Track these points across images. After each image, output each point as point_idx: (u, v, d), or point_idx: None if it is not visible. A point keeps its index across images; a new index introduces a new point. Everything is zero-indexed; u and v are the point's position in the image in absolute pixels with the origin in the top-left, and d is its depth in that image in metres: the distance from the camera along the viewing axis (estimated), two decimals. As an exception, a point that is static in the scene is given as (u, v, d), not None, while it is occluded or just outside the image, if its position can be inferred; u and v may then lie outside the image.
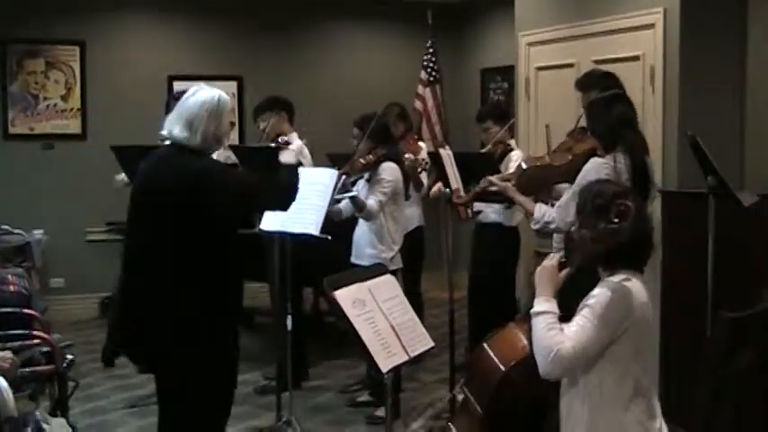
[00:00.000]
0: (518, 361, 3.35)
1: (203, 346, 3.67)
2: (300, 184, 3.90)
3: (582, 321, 2.80)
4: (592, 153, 4.36)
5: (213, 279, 3.68)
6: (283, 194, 3.86)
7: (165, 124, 3.73)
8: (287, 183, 3.88)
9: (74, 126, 8.52)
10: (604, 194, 2.90)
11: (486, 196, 4.93)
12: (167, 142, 3.77)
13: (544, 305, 2.86)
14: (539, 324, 2.83)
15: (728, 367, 3.45)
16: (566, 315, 2.87)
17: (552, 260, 2.96)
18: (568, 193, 4.36)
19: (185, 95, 3.75)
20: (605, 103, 4.36)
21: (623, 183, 3.91)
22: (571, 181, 4.43)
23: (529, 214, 4.55)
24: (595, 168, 4.19)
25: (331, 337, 7.46)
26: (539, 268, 2.96)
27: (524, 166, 4.78)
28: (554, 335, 2.78)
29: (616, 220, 2.79)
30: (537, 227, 4.50)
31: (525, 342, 3.36)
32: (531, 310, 2.88)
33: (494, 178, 4.70)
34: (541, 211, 4.41)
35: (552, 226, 4.36)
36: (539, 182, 4.73)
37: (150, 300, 3.67)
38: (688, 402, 3.52)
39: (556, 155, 4.67)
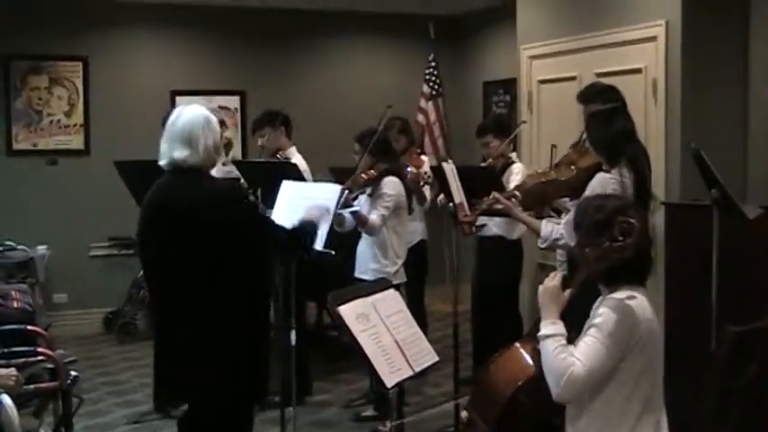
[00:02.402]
0: (524, 381, 3.34)
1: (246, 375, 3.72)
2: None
3: (591, 342, 2.79)
4: (597, 168, 4.35)
5: (247, 305, 3.70)
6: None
7: (162, 152, 3.68)
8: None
9: (77, 142, 8.53)
10: (604, 210, 2.88)
11: (492, 212, 4.91)
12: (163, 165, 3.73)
13: (551, 328, 2.84)
14: (548, 348, 2.81)
15: (734, 381, 3.43)
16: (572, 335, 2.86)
17: (554, 280, 2.94)
18: (575, 209, 4.34)
19: (171, 119, 3.71)
20: (605, 116, 4.35)
21: (625, 196, 3.90)
22: (574, 196, 4.41)
23: (535, 232, 4.51)
24: (602, 183, 4.18)
25: (334, 352, 7.45)
26: (541, 288, 2.94)
27: (529, 181, 4.76)
28: (564, 358, 2.76)
29: (620, 238, 2.78)
30: (545, 245, 4.45)
31: (531, 362, 3.35)
32: (539, 334, 2.85)
33: (499, 195, 4.67)
34: (548, 228, 4.37)
35: (561, 242, 4.31)
36: (542, 197, 4.71)
37: (186, 335, 3.65)
38: (693, 417, 3.50)
39: (560, 170, 4.66)
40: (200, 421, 3.80)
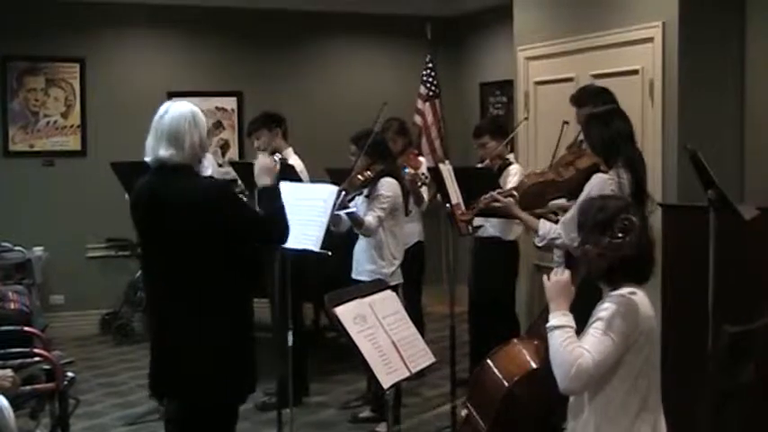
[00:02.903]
0: (522, 377, 3.35)
1: (234, 372, 3.71)
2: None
3: (597, 334, 2.80)
4: (594, 168, 4.36)
5: (237, 301, 3.72)
6: (278, 222, 3.80)
7: (148, 149, 3.68)
8: (276, 212, 3.81)
9: (74, 143, 8.53)
10: (606, 209, 2.90)
11: (490, 212, 4.92)
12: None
13: (561, 319, 2.85)
14: (557, 339, 2.81)
15: (731, 382, 3.44)
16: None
17: (564, 274, 2.95)
18: (573, 208, 4.35)
19: (157, 115, 3.70)
20: (603, 118, 4.37)
21: (626, 197, 3.91)
22: (571, 196, 4.42)
23: (533, 231, 4.53)
24: (600, 184, 4.19)
25: (331, 353, 7.45)
26: (549, 283, 2.94)
27: (527, 181, 4.77)
28: (573, 349, 2.77)
29: (620, 235, 2.79)
30: (542, 244, 4.47)
31: (528, 358, 3.36)
32: (548, 324, 2.86)
33: (498, 194, 4.68)
34: (546, 227, 4.39)
35: (558, 242, 4.34)
36: (540, 197, 4.73)
37: (180, 332, 3.66)
38: (690, 417, 3.51)
39: (558, 170, 4.67)
40: (191, 419, 3.81)
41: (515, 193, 4.70)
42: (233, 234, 3.60)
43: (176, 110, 3.68)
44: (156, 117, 3.69)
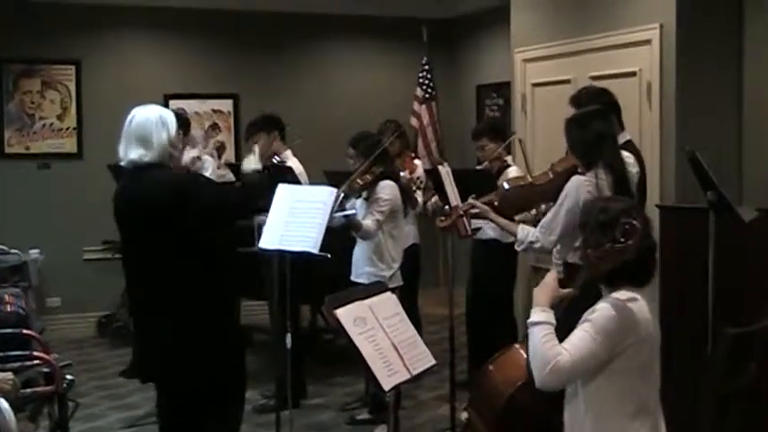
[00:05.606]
0: (524, 382, 3.35)
1: (207, 365, 3.90)
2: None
3: (582, 335, 2.81)
4: (573, 171, 4.36)
5: (205, 296, 3.88)
6: (249, 197, 4.26)
7: (120, 154, 3.90)
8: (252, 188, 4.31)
9: (70, 145, 8.52)
10: (609, 211, 2.90)
11: (470, 218, 4.92)
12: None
13: (541, 315, 2.87)
14: (536, 335, 2.83)
15: (732, 384, 3.44)
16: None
17: (550, 275, 2.97)
18: (551, 212, 4.35)
19: (127, 120, 3.91)
20: (582, 120, 4.37)
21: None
22: (553, 199, 4.42)
23: (512, 235, 4.55)
24: (577, 186, 4.19)
25: (329, 355, 7.44)
26: (538, 286, 2.96)
27: (506, 186, 4.77)
28: (552, 346, 2.79)
29: (622, 240, 2.79)
30: (521, 248, 4.51)
31: (530, 363, 3.36)
32: (528, 320, 2.88)
33: (475, 201, 4.69)
34: (524, 232, 4.41)
35: (537, 245, 4.37)
36: (522, 202, 4.75)
37: (151, 322, 3.92)
38: (691, 419, 3.51)
39: (538, 175, 4.68)
40: (173, 403, 4.06)
41: (494, 197, 4.70)
42: (199, 221, 3.78)
43: (142, 114, 3.90)
44: (125, 123, 3.90)
